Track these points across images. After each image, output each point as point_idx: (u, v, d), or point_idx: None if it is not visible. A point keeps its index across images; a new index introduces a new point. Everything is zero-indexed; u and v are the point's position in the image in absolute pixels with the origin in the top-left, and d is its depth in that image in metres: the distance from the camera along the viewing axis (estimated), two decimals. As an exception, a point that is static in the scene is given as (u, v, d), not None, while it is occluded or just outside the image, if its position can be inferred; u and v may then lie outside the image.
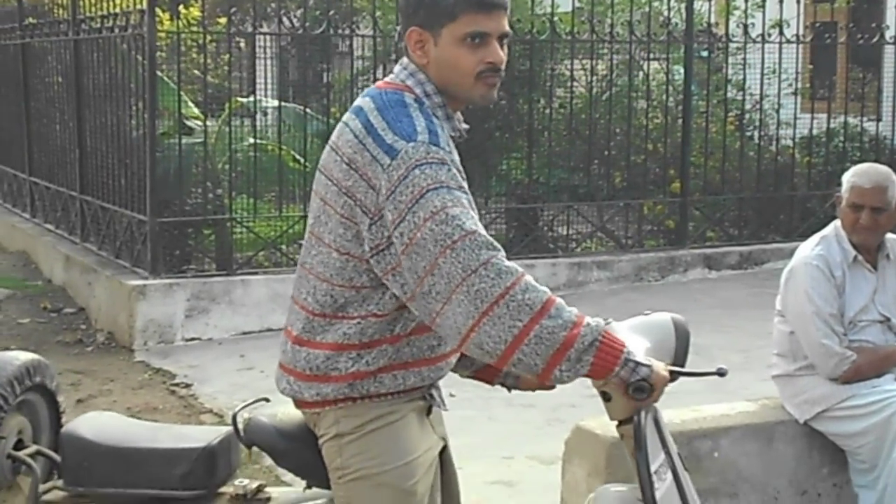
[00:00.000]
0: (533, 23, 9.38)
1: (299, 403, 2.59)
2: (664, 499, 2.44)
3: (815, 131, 10.53)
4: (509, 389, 2.91)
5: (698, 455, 4.19)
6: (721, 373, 2.56)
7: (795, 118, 10.28)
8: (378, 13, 8.97)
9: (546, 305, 2.28)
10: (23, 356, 2.98)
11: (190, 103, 9.05)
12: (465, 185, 2.41)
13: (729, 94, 10.41)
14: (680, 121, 9.91)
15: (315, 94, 10.30)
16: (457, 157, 2.46)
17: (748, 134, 10.62)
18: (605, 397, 2.48)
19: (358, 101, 2.56)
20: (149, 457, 2.74)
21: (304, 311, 2.54)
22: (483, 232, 2.33)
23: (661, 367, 2.41)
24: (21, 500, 2.83)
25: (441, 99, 2.50)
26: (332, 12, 8.82)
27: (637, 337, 2.48)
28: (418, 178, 2.33)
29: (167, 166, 8.18)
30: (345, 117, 2.56)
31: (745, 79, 10.28)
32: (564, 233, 9.55)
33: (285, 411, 2.67)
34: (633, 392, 2.36)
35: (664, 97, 10.02)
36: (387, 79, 2.60)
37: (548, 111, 9.59)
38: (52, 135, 10.44)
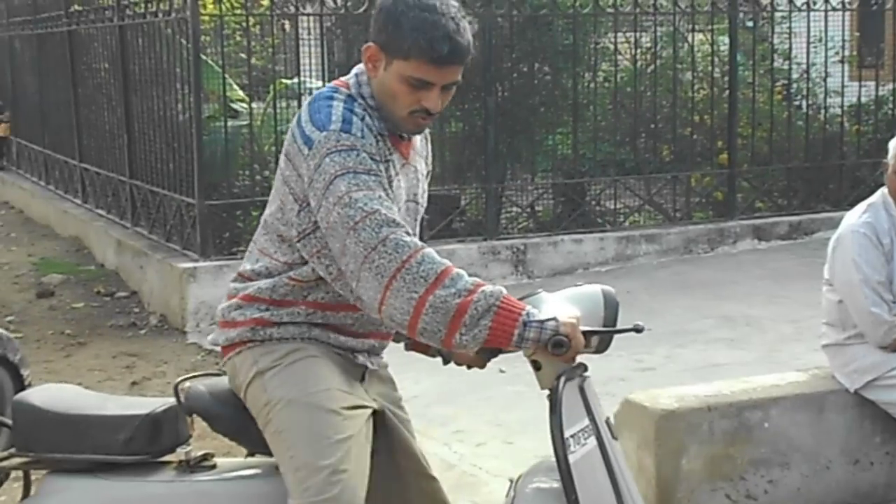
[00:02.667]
0: (576, -4, 9.34)
1: (221, 354, 2.79)
2: (581, 462, 2.52)
3: (863, 99, 10.40)
4: (445, 362, 2.97)
5: (748, 425, 4.19)
6: (637, 329, 2.60)
7: (843, 86, 10.15)
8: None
9: (440, 276, 2.42)
10: None
11: (235, 86, 9.10)
12: (376, 167, 2.54)
13: (775, 64, 10.29)
14: (726, 92, 9.81)
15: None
16: (372, 142, 2.57)
17: (796, 103, 10.50)
18: (536, 366, 2.58)
19: None
20: (94, 423, 2.83)
21: (240, 276, 2.78)
22: (385, 211, 2.47)
23: (569, 319, 2.46)
24: None
25: (376, 103, 2.63)
26: (373, -9, 8.83)
27: (569, 305, 2.57)
28: (328, 166, 2.51)
29: (214, 149, 8.23)
30: None
31: (791, 48, 10.15)
32: (612, 207, 9.52)
33: (222, 380, 2.84)
34: (552, 349, 2.44)
35: (710, 68, 9.92)
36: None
37: (592, 85, 9.53)
38: (101, 121, 10.55)
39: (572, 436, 2.51)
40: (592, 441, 2.56)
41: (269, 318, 2.69)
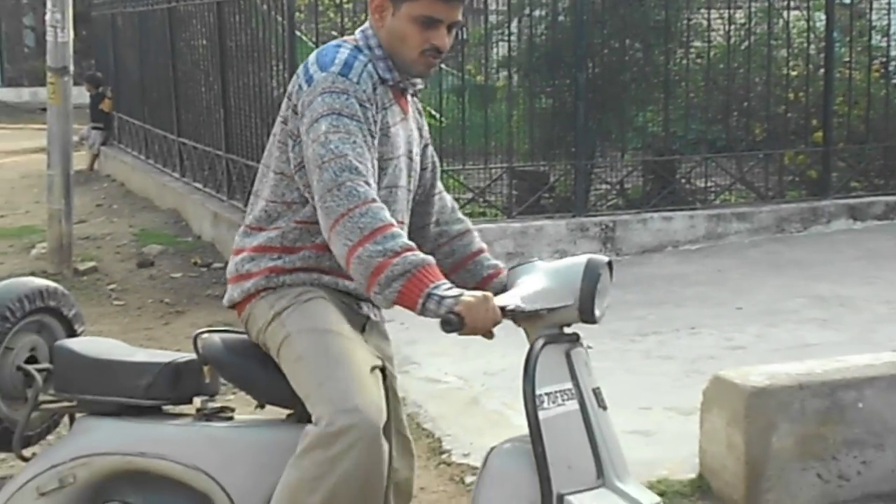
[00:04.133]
0: (669, -28, 9.27)
1: (237, 312, 2.90)
2: (554, 420, 2.60)
3: (964, 76, 10.18)
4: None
5: (841, 405, 4.16)
6: (537, 312, 2.65)
7: (943, 63, 9.95)
8: (513, -32, 8.99)
9: (375, 232, 2.56)
10: (37, 281, 3.25)
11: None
12: (362, 114, 2.66)
13: (873, 41, 10.10)
14: (822, 70, 9.68)
15: (450, 50, 10.35)
16: (368, 89, 2.71)
17: (894, 81, 10.31)
18: (524, 329, 2.72)
19: None
20: (120, 368, 3.00)
21: (243, 227, 2.90)
22: (353, 158, 2.60)
23: (469, 298, 2.53)
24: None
25: (383, 53, 2.77)
26: (467, -32, 8.86)
27: (543, 278, 2.71)
28: (318, 105, 2.66)
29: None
30: None
31: (889, 24, 9.96)
32: (702, 185, 9.45)
33: (237, 331, 2.99)
34: (441, 325, 2.52)
35: (805, 45, 9.79)
36: None
37: (685, 62, 9.46)
38: (198, 96, 10.76)
39: (547, 394, 2.60)
40: (574, 405, 2.64)
41: (283, 265, 2.80)
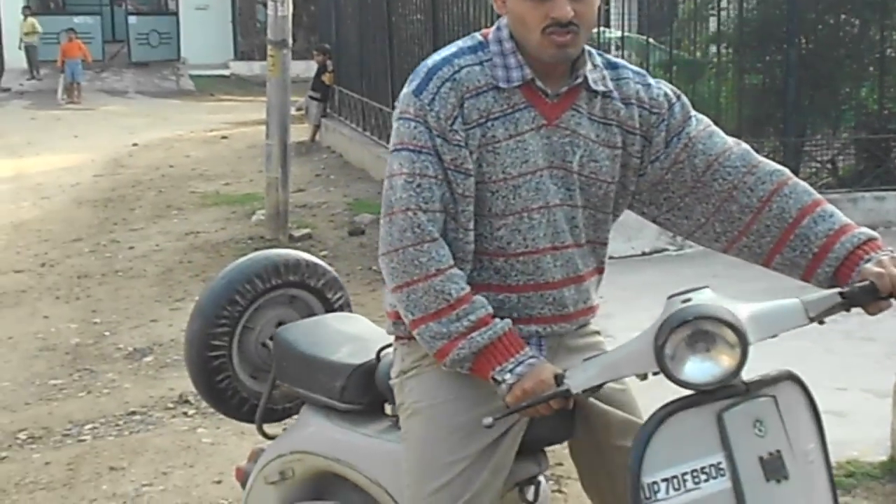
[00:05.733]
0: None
1: None
2: None
3: None
4: None
5: None
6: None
7: None
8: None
9: (439, 313, 2.24)
10: (276, 256, 3.13)
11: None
12: (432, 142, 2.27)
13: None
14: None
15: (663, 24, 10.34)
16: (447, 106, 2.28)
17: None
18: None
19: None
20: (320, 367, 2.82)
21: None
22: (422, 212, 2.25)
23: (528, 385, 2.18)
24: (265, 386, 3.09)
25: (513, 46, 2.34)
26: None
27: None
28: (393, 134, 2.34)
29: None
30: None
31: None
32: (919, 165, 9.15)
33: None
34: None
35: None
36: None
37: (903, 38, 9.18)
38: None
39: (668, 479, 2.08)
40: (723, 483, 2.08)
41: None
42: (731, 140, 2.45)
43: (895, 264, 2.22)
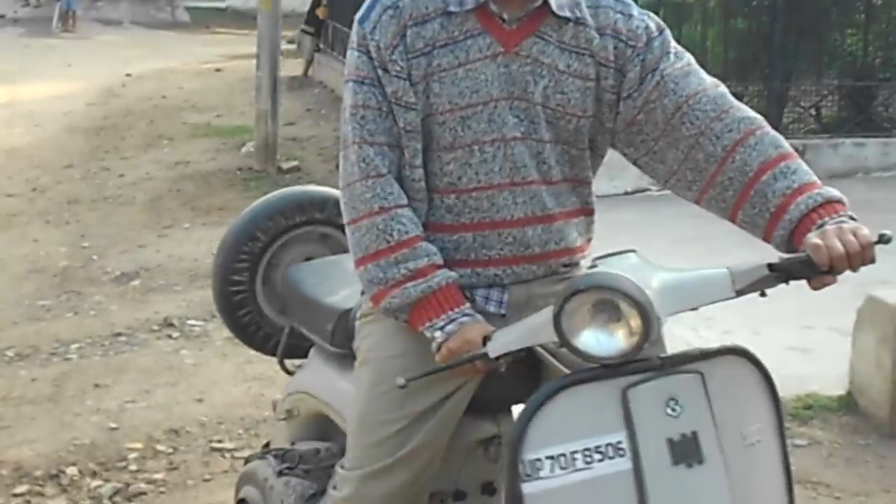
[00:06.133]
0: None
1: None
2: (554, 495, 1.88)
3: None
4: None
5: None
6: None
7: None
8: None
9: (378, 254, 2.12)
10: (301, 194, 3.09)
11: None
12: (374, 73, 2.15)
13: None
14: None
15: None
16: (388, 32, 2.14)
17: None
18: None
19: None
20: (316, 309, 2.76)
21: None
22: (369, 145, 2.14)
23: (454, 343, 2.05)
24: None
25: None
26: None
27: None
28: (345, 66, 2.24)
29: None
30: None
31: None
32: (902, 113, 9.25)
33: None
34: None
35: None
36: None
37: (891, -15, 9.23)
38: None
39: (553, 457, 1.88)
40: (621, 464, 1.88)
41: None
42: (709, 82, 2.19)
43: (839, 234, 1.91)
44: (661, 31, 2.21)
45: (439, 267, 2.13)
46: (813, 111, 9.30)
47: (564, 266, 2.23)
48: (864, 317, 4.40)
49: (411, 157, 2.16)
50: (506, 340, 1.98)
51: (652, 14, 2.24)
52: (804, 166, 2.10)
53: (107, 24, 25.20)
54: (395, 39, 2.14)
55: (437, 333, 2.07)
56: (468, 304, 2.12)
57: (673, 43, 2.22)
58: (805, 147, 8.67)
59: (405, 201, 2.15)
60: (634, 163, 2.28)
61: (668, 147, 2.18)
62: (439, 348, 2.06)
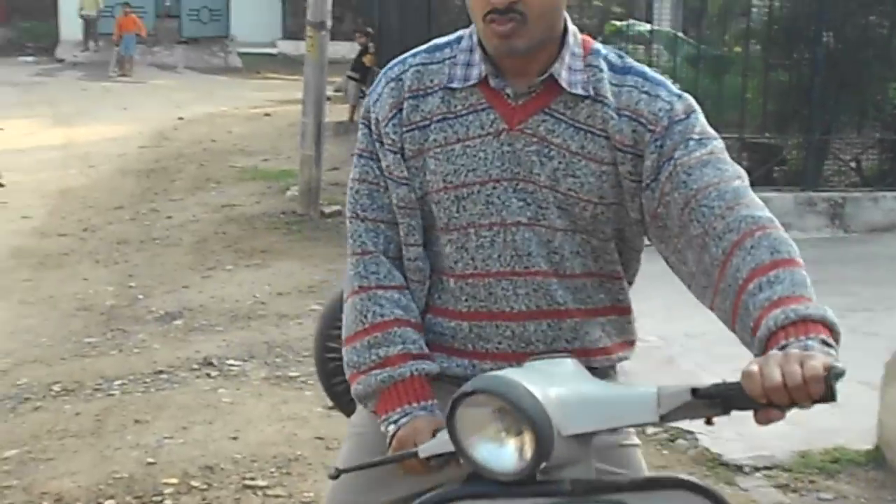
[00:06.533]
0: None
1: None
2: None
3: None
4: None
5: None
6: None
7: None
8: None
9: (356, 336, 2.05)
10: None
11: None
12: (372, 146, 2.07)
13: None
14: None
15: (698, 19, 10.49)
16: (384, 111, 2.05)
17: None
18: None
19: None
20: None
21: None
22: (360, 220, 2.07)
23: (397, 444, 1.96)
24: None
25: (470, 43, 2.06)
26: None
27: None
28: None
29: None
30: None
31: None
32: (944, 167, 9.24)
33: None
34: None
35: None
36: None
37: (933, 40, 9.27)
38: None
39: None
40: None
41: None
42: (728, 174, 1.90)
43: (782, 362, 1.58)
44: (688, 115, 1.96)
45: (414, 356, 2.01)
46: (853, 164, 9.31)
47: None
48: (893, 371, 4.42)
49: (406, 234, 2.05)
50: (440, 441, 1.79)
51: (686, 95, 2.00)
52: (798, 275, 1.77)
53: (162, 68, 25.67)
54: (392, 112, 2.04)
55: (391, 427, 1.97)
56: (432, 400, 1.99)
57: (700, 128, 1.96)
58: (845, 200, 8.71)
59: (394, 282, 2.05)
60: (667, 262, 2.00)
61: (686, 247, 1.91)
62: (391, 442, 1.96)
